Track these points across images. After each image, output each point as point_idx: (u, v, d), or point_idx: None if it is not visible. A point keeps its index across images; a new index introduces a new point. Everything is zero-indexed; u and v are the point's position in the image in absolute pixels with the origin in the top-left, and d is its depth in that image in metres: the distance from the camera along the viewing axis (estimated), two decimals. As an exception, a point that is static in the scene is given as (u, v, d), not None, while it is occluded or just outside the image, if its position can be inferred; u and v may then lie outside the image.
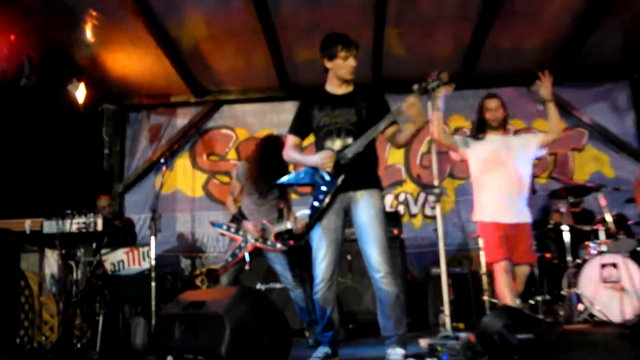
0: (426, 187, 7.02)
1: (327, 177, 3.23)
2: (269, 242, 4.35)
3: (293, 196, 6.45)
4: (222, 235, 4.65)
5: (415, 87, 3.12)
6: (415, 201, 7.12)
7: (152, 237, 4.31)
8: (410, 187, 7.20)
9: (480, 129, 4.13)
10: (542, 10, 5.79)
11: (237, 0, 5.39)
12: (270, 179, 4.06)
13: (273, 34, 5.97)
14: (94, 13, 5.14)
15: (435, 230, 5.82)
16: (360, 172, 3.22)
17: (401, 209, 7.02)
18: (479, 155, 4.05)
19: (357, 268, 5.18)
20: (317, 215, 3.23)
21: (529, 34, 6.21)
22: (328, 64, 3.27)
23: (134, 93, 7.13)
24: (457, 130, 7.14)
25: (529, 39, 6.29)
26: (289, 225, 4.37)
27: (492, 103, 4.09)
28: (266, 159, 4.34)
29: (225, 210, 6.71)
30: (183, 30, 5.88)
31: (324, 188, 3.24)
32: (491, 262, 3.90)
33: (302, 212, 4.35)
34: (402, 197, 7.16)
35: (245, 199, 4.52)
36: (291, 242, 5.52)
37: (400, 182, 7.19)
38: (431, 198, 7.00)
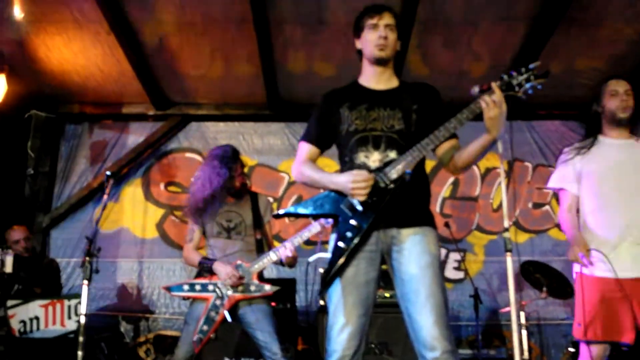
0: (448, 242, 6.46)
1: (360, 207, 2.64)
2: (252, 288, 3.90)
3: (305, 247, 6.05)
4: (185, 298, 4.16)
5: (496, 83, 2.57)
6: (433, 260, 6.54)
7: (85, 282, 3.58)
8: (427, 241, 6.70)
9: (594, 128, 3.46)
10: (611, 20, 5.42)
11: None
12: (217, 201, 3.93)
13: (265, 30, 5.51)
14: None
15: (472, 296, 5.44)
16: (408, 202, 2.67)
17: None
18: (593, 172, 3.36)
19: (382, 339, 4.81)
20: (342, 262, 2.60)
21: (587, 52, 5.88)
22: (358, 45, 2.91)
23: (74, 97, 6.75)
24: (487, 172, 6.72)
25: (587, 57, 5.97)
26: (273, 256, 3.89)
27: (621, 85, 3.40)
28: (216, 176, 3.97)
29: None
30: (147, 16, 5.43)
31: (353, 222, 2.64)
32: (583, 340, 3.19)
33: (317, 256, 3.72)
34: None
35: (208, 241, 4.16)
36: (273, 303, 5.06)
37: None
38: (454, 256, 6.57)
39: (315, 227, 3.75)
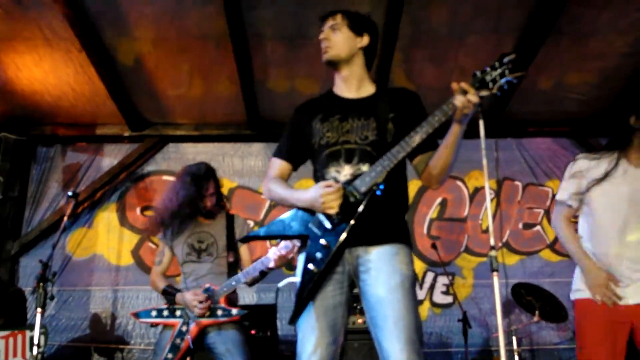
0: (436, 265, 6.39)
1: (328, 224, 2.48)
2: (219, 312, 3.75)
3: (285, 271, 5.92)
4: (153, 325, 4.00)
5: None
6: (421, 284, 6.50)
7: (39, 311, 3.41)
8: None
9: (620, 143, 3.15)
10: (602, 32, 5.37)
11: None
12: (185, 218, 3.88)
13: (244, 46, 5.44)
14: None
15: (460, 320, 5.30)
16: (378, 217, 2.51)
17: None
18: (602, 198, 3.11)
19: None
20: (312, 285, 2.45)
21: (578, 65, 5.81)
22: None
23: (46, 119, 6.61)
24: (476, 192, 6.63)
25: (577, 71, 5.90)
26: (242, 278, 3.76)
27: None
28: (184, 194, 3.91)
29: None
30: (120, 33, 5.34)
31: (323, 241, 2.48)
32: None
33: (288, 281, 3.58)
34: (402, 278, 6.55)
35: (181, 267, 4.05)
36: (252, 331, 5.06)
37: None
38: (442, 280, 6.43)
39: (267, 259, 3.62)
